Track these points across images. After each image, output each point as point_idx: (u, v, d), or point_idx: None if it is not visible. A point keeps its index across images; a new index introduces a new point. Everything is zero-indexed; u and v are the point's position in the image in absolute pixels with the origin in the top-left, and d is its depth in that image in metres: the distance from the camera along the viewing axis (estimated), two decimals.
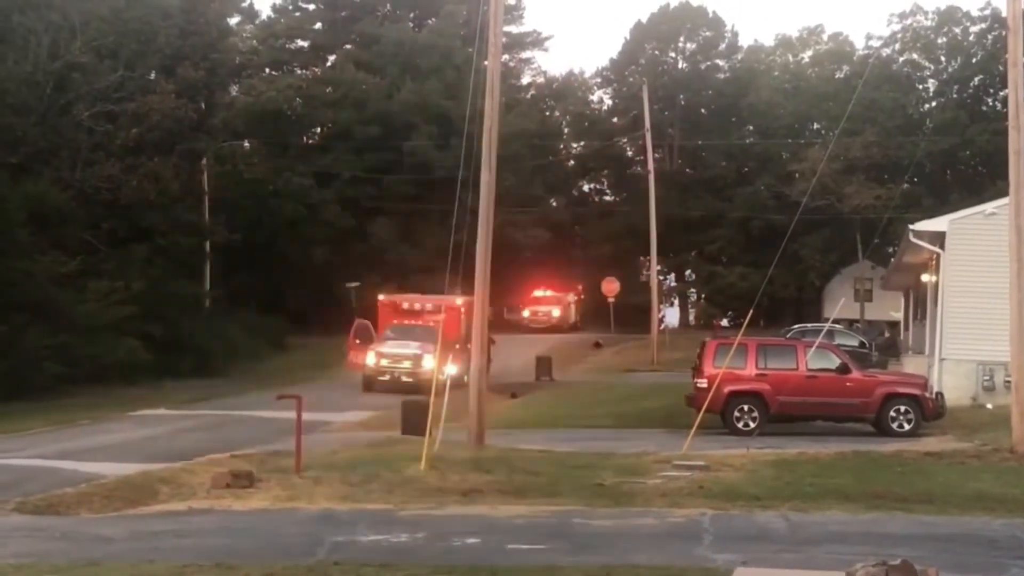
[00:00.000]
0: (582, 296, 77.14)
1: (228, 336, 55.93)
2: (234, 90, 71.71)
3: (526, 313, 72.80)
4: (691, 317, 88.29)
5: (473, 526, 17.17)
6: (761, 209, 76.32)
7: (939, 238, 34.94)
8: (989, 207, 33.21)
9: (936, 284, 35.98)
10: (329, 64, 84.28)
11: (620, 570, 13.31)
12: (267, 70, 79.40)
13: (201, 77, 56.25)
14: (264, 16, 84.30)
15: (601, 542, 15.95)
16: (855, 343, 48.96)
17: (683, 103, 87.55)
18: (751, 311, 30.89)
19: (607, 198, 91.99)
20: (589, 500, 19.67)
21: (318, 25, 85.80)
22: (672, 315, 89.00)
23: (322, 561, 14.37)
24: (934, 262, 36.18)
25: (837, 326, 53.52)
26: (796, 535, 16.73)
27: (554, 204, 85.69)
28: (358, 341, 45.13)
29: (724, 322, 76.54)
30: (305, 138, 79.02)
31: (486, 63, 26.92)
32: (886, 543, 15.35)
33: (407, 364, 42.85)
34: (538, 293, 74.89)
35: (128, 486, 21.80)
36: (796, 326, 51.28)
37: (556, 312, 73.24)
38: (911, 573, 13.16)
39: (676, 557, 14.56)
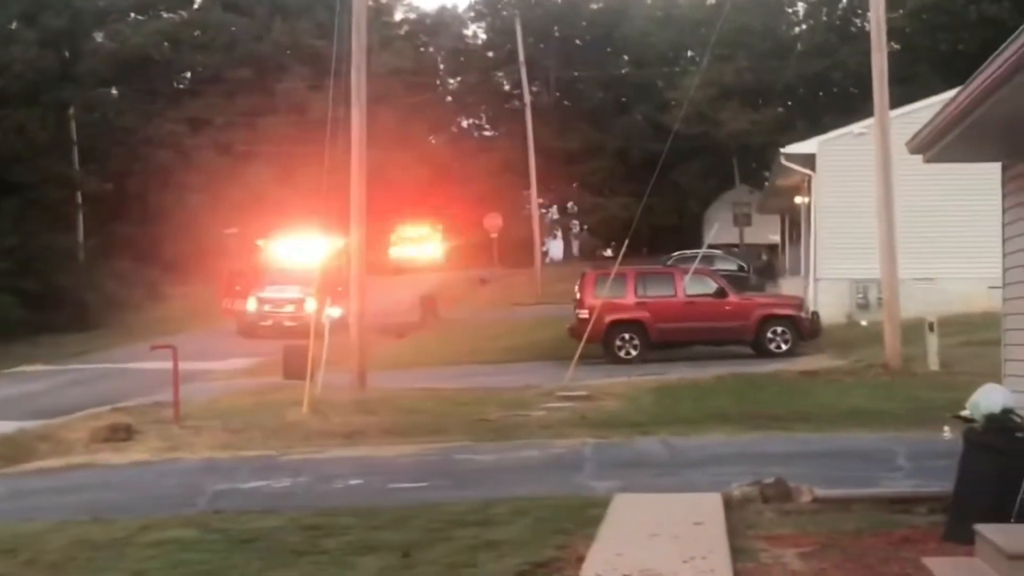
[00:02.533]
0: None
1: (104, 288, 54.88)
2: (99, 37, 70.09)
3: (398, 252, 70.79)
4: (575, 249, 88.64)
5: (356, 467, 17.15)
6: (639, 138, 76.62)
7: (810, 160, 35.42)
8: (857, 127, 33.55)
9: (808, 206, 36.52)
10: (196, 6, 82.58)
11: (501, 503, 13.36)
12: (132, 15, 77.56)
13: (64, 24, 54.89)
14: None
15: (484, 476, 16.02)
16: (734, 267, 49.56)
17: (558, 35, 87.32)
18: (626, 241, 31.01)
19: (487, 133, 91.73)
20: (473, 435, 19.76)
21: None
22: (556, 248, 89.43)
23: (202, 510, 14.25)
24: (806, 184, 36.69)
25: (716, 251, 54.17)
26: (676, 459, 16.96)
27: (433, 141, 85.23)
28: (238, 288, 44.63)
29: (608, 252, 76.98)
30: (175, 83, 77.51)
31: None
32: (764, 462, 15.59)
33: (290, 308, 42.46)
34: (408, 231, 72.94)
35: (5, 444, 21.47)
36: (676, 253, 51.71)
37: (431, 251, 71.81)
38: (784, 489, 13.46)
39: (558, 486, 14.67)
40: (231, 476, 16.97)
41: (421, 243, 71.85)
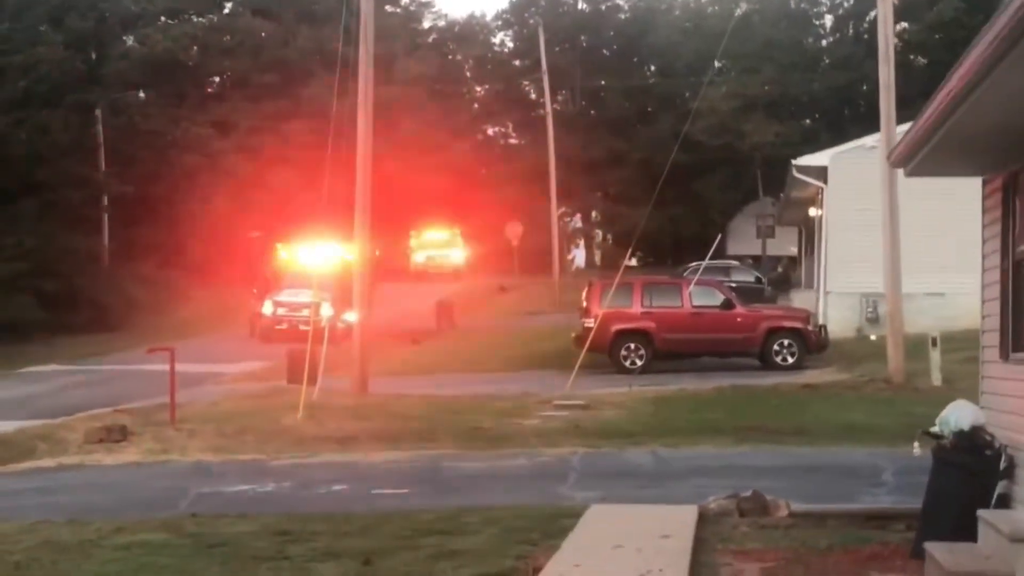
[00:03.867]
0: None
1: (126, 290, 55.18)
2: (129, 40, 70.48)
3: (420, 258, 68.37)
4: (597, 258, 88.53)
5: (342, 473, 17.16)
6: (664, 149, 76.40)
7: (822, 172, 35.25)
8: (870, 140, 33.23)
9: (821, 218, 36.34)
10: (225, 11, 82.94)
11: (474, 511, 13.33)
12: (163, 18, 77.96)
13: (90, 27, 55.22)
14: None
15: (466, 484, 16.00)
16: (751, 279, 49.44)
17: (584, 44, 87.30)
18: (629, 251, 30.99)
19: (512, 141, 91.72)
20: (465, 443, 19.74)
21: None
22: (580, 256, 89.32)
23: (180, 513, 14.25)
24: (820, 197, 36.51)
25: (733, 263, 54.09)
26: (662, 470, 16.91)
27: (458, 148, 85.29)
28: (254, 291, 44.81)
29: (633, 261, 76.78)
30: (202, 87, 77.83)
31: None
32: (749, 475, 15.51)
33: (305, 312, 42.45)
34: (431, 235, 69.88)
35: (4, 444, 21.61)
36: (692, 263, 51.57)
37: (455, 256, 69.01)
38: (761, 503, 13.40)
39: (536, 496, 14.64)
40: (217, 479, 17.01)
41: (442, 249, 69.97)
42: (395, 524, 12.76)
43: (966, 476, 10.41)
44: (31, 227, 48.94)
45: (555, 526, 12.16)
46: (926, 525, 10.63)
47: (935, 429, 11.00)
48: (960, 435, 10.66)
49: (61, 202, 53.33)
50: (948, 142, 10.73)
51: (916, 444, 11.92)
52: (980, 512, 9.82)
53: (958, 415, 10.84)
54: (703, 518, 12.66)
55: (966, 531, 9.99)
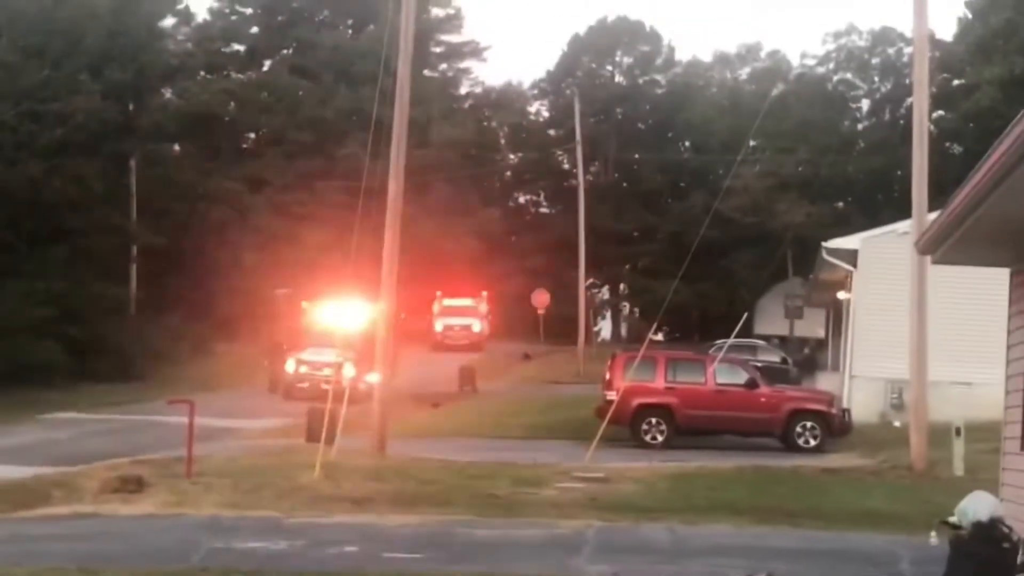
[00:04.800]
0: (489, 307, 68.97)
1: (151, 340, 55.30)
2: (167, 93, 71.16)
3: (439, 327, 64.65)
4: (623, 330, 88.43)
5: (355, 534, 17.06)
6: (695, 224, 76.50)
7: (852, 256, 35.17)
8: (902, 226, 33.08)
9: (850, 302, 36.21)
10: (264, 69, 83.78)
11: None
12: (202, 73, 78.74)
13: (129, 79, 55.76)
14: (200, 19, 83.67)
15: (480, 552, 15.89)
16: (777, 359, 49.27)
17: (619, 116, 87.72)
18: (654, 326, 30.93)
19: (543, 210, 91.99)
20: (480, 510, 19.61)
21: (255, 29, 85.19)
22: (605, 328, 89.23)
23: (191, 567, 14.22)
24: (848, 280, 36.40)
25: (760, 342, 53.95)
26: (678, 548, 16.76)
27: (489, 215, 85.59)
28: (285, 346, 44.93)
29: (660, 336, 76.56)
30: (237, 142, 78.47)
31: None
32: (764, 556, 15.39)
33: (327, 371, 42.51)
34: (451, 302, 66.07)
35: (20, 490, 21.56)
36: (719, 341, 51.42)
37: (477, 326, 65.22)
38: None
39: (549, 567, 14.56)
40: (230, 535, 16.94)
41: (463, 318, 65.59)
42: None
43: (982, 568, 10.29)
44: (60, 273, 49.19)
45: None
46: None
47: (953, 519, 10.87)
48: (978, 526, 10.53)
49: (91, 249, 53.61)
50: (975, 232, 10.74)
51: (933, 533, 11.77)
52: None
53: (976, 506, 10.72)
54: None
55: None
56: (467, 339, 63.26)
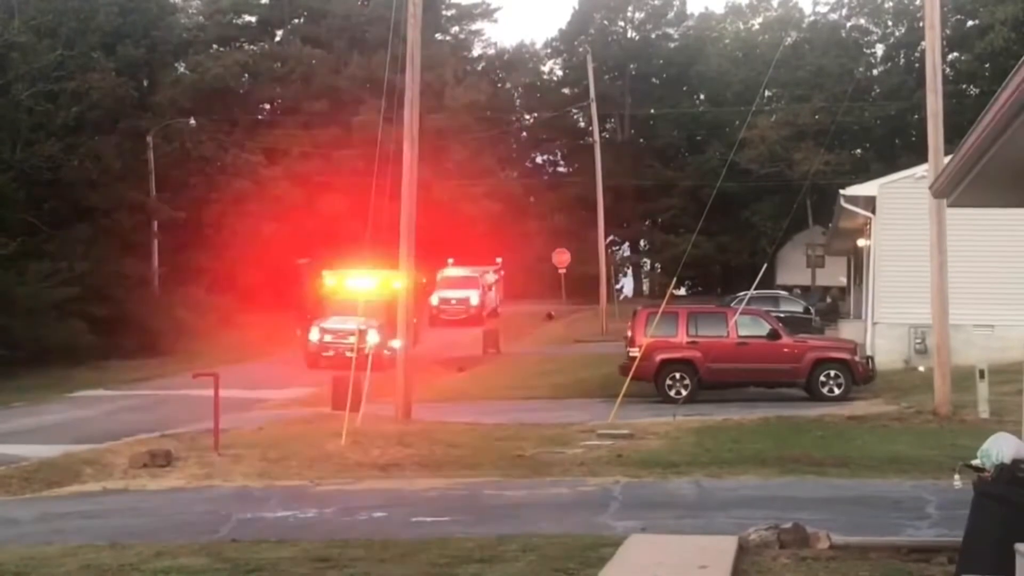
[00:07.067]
0: (502, 272, 66.00)
1: (175, 315, 55.48)
2: (181, 67, 71.23)
3: (434, 300, 59.34)
4: (645, 287, 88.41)
5: (384, 500, 17.18)
6: (712, 177, 76.27)
7: (870, 203, 35.05)
8: (919, 171, 32.97)
9: (870, 248, 36.11)
10: (277, 39, 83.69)
11: (513, 539, 13.30)
12: (214, 46, 78.74)
13: (142, 55, 55.82)
14: None
15: (507, 512, 15.97)
16: (799, 309, 49.22)
17: (633, 72, 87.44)
18: (674, 280, 30.88)
19: (560, 169, 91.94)
20: (506, 471, 19.70)
21: (265, 0, 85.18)
22: (627, 285, 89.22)
23: (221, 538, 14.32)
24: (868, 227, 36.29)
25: (782, 292, 53.94)
26: (704, 501, 16.80)
27: (507, 176, 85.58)
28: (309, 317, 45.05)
29: (682, 290, 76.54)
30: (253, 114, 78.49)
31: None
32: (792, 506, 15.41)
33: (351, 339, 42.58)
34: (449, 272, 61.76)
35: (50, 468, 21.72)
36: (740, 293, 51.40)
37: (475, 299, 60.33)
38: (802, 535, 13.26)
39: (576, 525, 14.58)
40: (260, 505, 17.07)
41: (463, 289, 60.64)
42: (434, 551, 12.74)
43: (1006, 509, 10.28)
44: (83, 252, 49.41)
45: (593, 555, 12.11)
46: (965, 559, 10.50)
47: (976, 462, 10.87)
48: (1001, 468, 10.52)
49: (113, 227, 53.79)
50: (988, 175, 10.67)
51: (957, 476, 11.81)
52: (1017, 545, 9.71)
53: (999, 448, 10.71)
54: (743, 549, 12.55)
55: (1005, 565, 9.86)
56: (465, 313, 59.19)
